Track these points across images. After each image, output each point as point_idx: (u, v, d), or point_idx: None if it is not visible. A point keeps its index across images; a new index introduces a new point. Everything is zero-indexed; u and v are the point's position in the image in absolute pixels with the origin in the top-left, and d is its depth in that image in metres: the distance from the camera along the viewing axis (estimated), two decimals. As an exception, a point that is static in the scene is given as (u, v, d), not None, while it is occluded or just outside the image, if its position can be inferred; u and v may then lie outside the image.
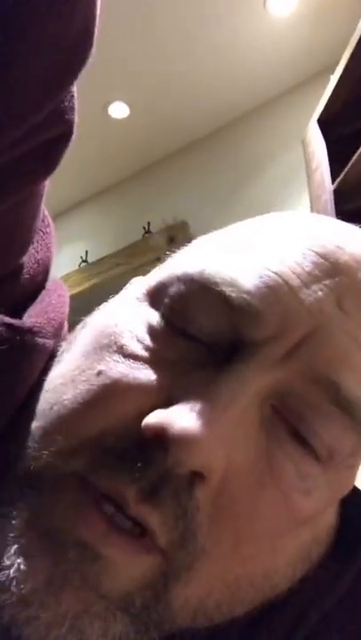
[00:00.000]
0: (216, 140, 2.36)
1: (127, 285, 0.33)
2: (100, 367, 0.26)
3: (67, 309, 0.34)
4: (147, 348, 0.26)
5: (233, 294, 0.25)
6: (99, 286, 2.45)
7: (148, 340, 0.26)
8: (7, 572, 0.22)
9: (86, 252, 2.64)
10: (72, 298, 0.36)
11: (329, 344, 0.25)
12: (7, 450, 0.27)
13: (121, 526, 0.23)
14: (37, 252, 0.31)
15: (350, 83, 1.43)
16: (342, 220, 0.31)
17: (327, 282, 0.26)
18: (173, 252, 0.32)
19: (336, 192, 1.42)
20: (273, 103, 2.23)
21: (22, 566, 0.23)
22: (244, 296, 0.25)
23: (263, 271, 0.25)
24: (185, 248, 0.32)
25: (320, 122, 1.55)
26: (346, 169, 1.36)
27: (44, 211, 0.31)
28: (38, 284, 0.32)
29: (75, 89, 0.25)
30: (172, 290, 0.27)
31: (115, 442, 0.24)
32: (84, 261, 2.63)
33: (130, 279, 0.34)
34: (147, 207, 2.47)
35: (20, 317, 0.29)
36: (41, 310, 0.30)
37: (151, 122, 2.29)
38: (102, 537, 0.23)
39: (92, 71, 0.25)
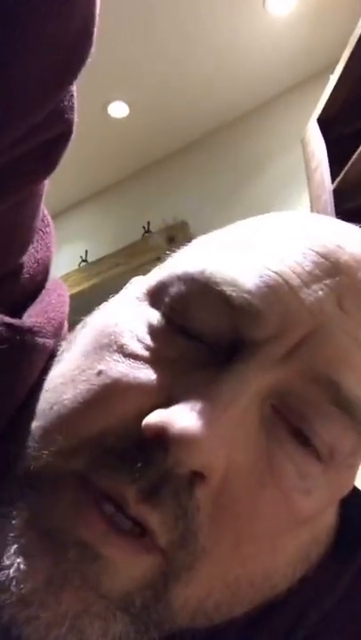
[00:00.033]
0: (216, 139, 2.36)
1: (127, 285, 0.33)
2: (101, 367, 0.26)
3: (67, 309, 0.33)
4: (147, 348, 0.26)
5: (234, 294, 0.25)
6: (98, 286, 2.45)
7: (148, 340, 0.26)
8: (7, 571, 0.22)
9: (86, 251, 2.64)
10: (72, 297, 0.36)
11: (329, 344, 0.25)
12: (7, 450, 0.27)
13: (121, 526, 0.23)
14: (37, 251, 0.31)
15: (350, 82, 1.43)
16: (342, 219, 0.31)
17: (328, 281, 0.26)
18: (173, 251, 0.32)
19: (336, 192, 1.42)
20: (272, 103, 2.23)
21: (22, 566, 0.23)
22: (245, 296, 0.25)
23: (264, 271, 0.25)
24: (185, 248, 0.32)
25: (320, 121, 1.55)
26: (346, 168, 1.36)
27: (44, 210, 0.31)
28: (38, 283, 0.32)
29: (74, 88, 0.25)
30: (173, 289, 0.27)
31: (115, 441, 0.24)
32: (83, 261, 2.63)
33: (129, 279, 0.34)
34: (146, 207, 2.48)
35: (20, 317, 0.29)
36: (41, 310, 0.30)
37: (151, 121, 2.29)
38: (102, 537, 0.23)
39: (92, 70, 0.25)
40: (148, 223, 2.42)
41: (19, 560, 0.23)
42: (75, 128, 0.26)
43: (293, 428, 0.25)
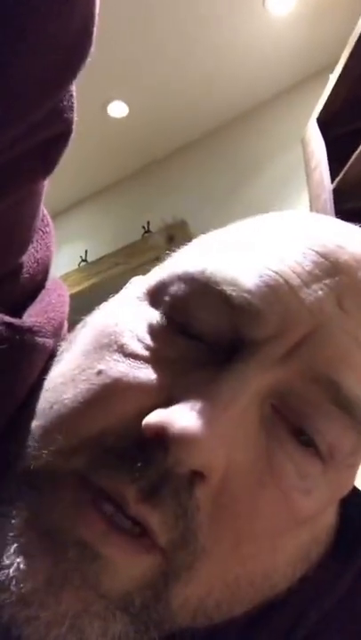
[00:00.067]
0: (215, 139, 2.36)
1: (127, 285, 0.33)
2: (101, 366, 0.26)
3: (67, 309, 0.33)
4: (147, 348, 0.26)
5: (234, 293, 0.25)
6: (98, 286, 2.45)
7: (148, 340, 0.26)
8: (7, 571, 0.22)
9: (86, 251, 2.64)
10: (71, 297, 0.36)
11: (329, 343, 0.25)
12: (7, 449, 0.27)
13: (121, 526, 0.23)
14: (37, 251, 0.31)
15: (350, 82, 1.43)
16: (342, 219, 0.31)
17: (327, 281, 0.26)
18: (173, 251, 0.32)
19: (335, 191, 1.42)
20: (272, 102, 2.23)
21: (22, 565, 0.23)
22: (245, 295, 0.25)
23: (264, 270, 0.25)
24: (185, 247, 0.32)
25: (319, 121, 1.55)
26: (345, 168, 1.36)
27: (44, 210, 0.31)
28: (38, 283, 0.32)
29: (73, 88, 0.25)
30: (173, 289, 0.27)
31: (115, 441, 0.24)
32: (83, 261, 2.63)
33: (129, 278, 0.34)
34: (146, 206, 2.47)
35: (20, 317, 0.29)
36: (41, 310, 0.30)
37: (150, 121, 2.29)
38: (102, 536, 0.23)
39: (91, 70, 0.25)
40: (148, 223, 2.42)
41: (18, 560, 0.23)
42: (74, 128, 0.26)
43: (293, 428, 0.25)
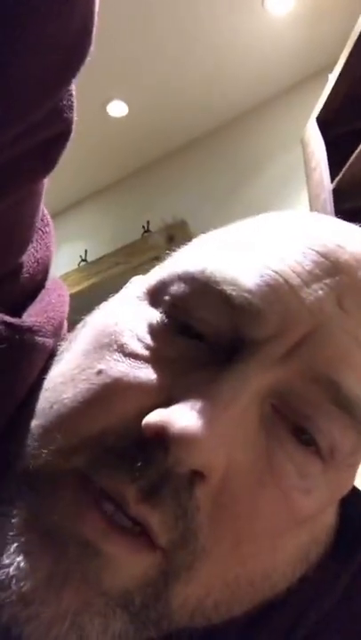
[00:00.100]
0: (215, 138, 2.36)
1: (127, 284, 0.33)
2: (101, 366, 0.26)
3: (66, 308, 0.33)
4: (147, 347, 0.26)
5: (234, 293, 0.25)
6: (98, 285, 2.45)
7: (148, 339, 0.26)
8: (7, 570, 0.22)
9: (85, 251, 2.64)
10: (71, 297, 0.36)
11: (329, 343, 0.25)
12: (7, 449, 0.27)
13: (121, 524, 0.23)
14: (37, 251, 0.31)
15: (349, 81, 1.43)
16: (342, 219, 0.31)
17: (328, 281, 0.26)
18: (173, 250, 0.32)
19: (335, 191, 1.42)
20: (272, 102, 2.23)
21: (22, 564, 0.23)
22: (245, 295, 0.25)
23: (264, 270, 0.25)
24: (185, 247, 0.32)
25: (319, 121, 1.55)
26: (345, 168, 1.36)
27: (44, 210, 0.31)
28: (38, 283, 0.32)
29: (73, 87, 0.25)
30: (173, 288, 0.27)
31: (115, 441, 0.24)
32: (83, 260, 2.63)
33: (129, 278, 0.34)
34: (146, 206, 2.47)
35: (20, 316, 0.29)
36: (41, 309, 0.30)
37: (150, 120, 2.29)
38: (103, 534, 0.23)
39: (91, 69, 0.25)
40: (148, 222, 2.42)
41: (19, 559, 0.23)
42: (74, 127, 0.26)
43: (293, 427, 0.25)
